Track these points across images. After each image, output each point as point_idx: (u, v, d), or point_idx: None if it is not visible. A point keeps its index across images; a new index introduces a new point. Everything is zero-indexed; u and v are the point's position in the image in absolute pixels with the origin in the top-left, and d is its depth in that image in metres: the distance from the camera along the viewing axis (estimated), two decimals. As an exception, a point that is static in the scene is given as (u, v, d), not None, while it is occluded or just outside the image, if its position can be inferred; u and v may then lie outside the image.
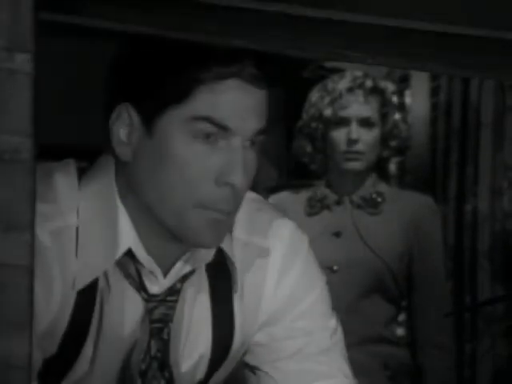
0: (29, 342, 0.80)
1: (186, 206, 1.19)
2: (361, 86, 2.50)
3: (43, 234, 1.20)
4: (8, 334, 0.79)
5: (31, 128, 0.80)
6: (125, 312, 1.26)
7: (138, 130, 1.20)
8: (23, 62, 0.79)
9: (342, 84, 2.51)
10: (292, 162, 3.36)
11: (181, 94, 1.16)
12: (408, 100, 3.71)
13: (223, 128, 1.17)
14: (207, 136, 1.17)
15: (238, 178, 1.18)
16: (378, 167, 2.59)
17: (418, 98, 3.68)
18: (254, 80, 1.18)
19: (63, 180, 1.26)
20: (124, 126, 1.21)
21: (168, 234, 1.24)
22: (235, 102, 1.18)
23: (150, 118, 1.19)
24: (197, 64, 1.16)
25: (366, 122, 2.50)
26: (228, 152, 1.18)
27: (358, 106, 2.50)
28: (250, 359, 1.39)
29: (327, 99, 2.52)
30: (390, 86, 2.58)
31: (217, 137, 1.18)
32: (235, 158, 1.18)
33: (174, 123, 1.17)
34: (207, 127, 1.17)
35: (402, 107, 2.72)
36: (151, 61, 1.19)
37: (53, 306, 1.21)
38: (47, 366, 1.24)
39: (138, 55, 1.21)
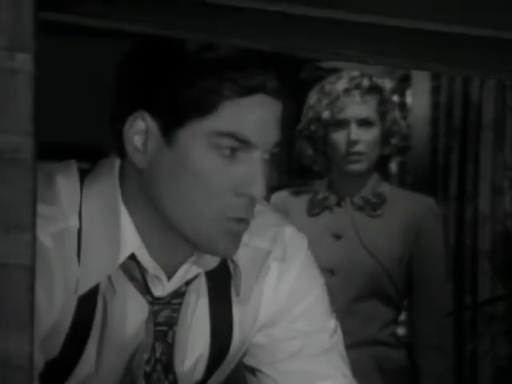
0: (30, 341, 0.80)
1: (205, 217, 1.18)
2: (357, 86, 2.49)
3: (45, 236, 1.19)
4: (9, 333, 0.80)
5: (32, 127, 0.80)
6: (129, 314, 1.26)
7: (156, 138, 1.19)
8: (24, 61, 0.80)
9: (339, 85, 2.50)
10: (293, 162, 3.36)
11: (205, 109, 1.16)
12: (409, 99, 3.71)
13: (246, 143, 1.18)
14: (230, 151, 1.18)
15: (259, 190, 1.18)
16: (380, 166, 2.58)
17: (418, 98, 3.67)
18: (276, 93, 1.19)
19: (65, 181, 1.25)
20: (139, 133, 1.20)
21: (174, 239, 1.23)
22: (259, 118, 1.18)
23: (170, 128, 1.18)
24: (221, 77, 1.16)
25: (364, 122, 2.49)
26: (248, 164, 1.19)
27: (356, 107, 2.48)
28: (250, 361, 1.39)
29: (325, 102, 2.51)
30: (387, 84, 2.57)
31: (238, 150, 1.18)
32: (256, 170, 1.18)
33: (197, 136, 1.17)
34: (231, 142, 1.17)
35: (402, 106, 2.70)
36: (171, 71, 1.18)
37: (55, 309, 1.20)
38: (49, 367, 1.24)
39: (157, 66, 1.19)
